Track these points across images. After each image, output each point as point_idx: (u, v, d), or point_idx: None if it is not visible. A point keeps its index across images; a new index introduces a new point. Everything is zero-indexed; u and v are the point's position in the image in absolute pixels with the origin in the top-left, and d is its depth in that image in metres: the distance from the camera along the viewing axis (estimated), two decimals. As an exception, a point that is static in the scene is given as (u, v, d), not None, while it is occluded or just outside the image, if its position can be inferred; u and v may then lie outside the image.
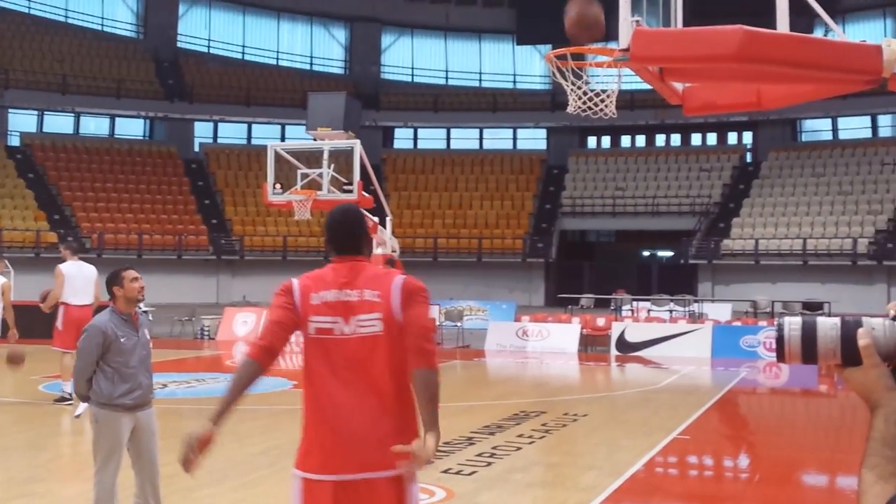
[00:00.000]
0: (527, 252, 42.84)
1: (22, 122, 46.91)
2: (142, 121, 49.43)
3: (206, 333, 24.73)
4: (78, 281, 12.74)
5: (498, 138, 51.25)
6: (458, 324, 24.85)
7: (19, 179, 42.62)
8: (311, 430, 4.00)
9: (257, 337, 3.99)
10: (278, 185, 21.19)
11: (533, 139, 50.63)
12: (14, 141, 45.94)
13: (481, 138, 51.45)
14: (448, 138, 51.65)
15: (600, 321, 23.47)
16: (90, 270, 12.94)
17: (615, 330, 22.54)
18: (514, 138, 51.00)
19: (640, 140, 49.35)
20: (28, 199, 41.61)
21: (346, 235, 4.04)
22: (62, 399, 12.75)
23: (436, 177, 47.96)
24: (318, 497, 3.83)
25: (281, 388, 15.16)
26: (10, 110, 46.04)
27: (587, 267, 44.49)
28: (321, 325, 3.89)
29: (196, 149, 49.47)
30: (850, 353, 1.93)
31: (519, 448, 10.16)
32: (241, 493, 7.93)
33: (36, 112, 46.98)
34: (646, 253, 49.55)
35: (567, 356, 21.53)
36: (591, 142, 50.65)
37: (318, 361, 3.92)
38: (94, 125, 49.04)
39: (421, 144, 51.76)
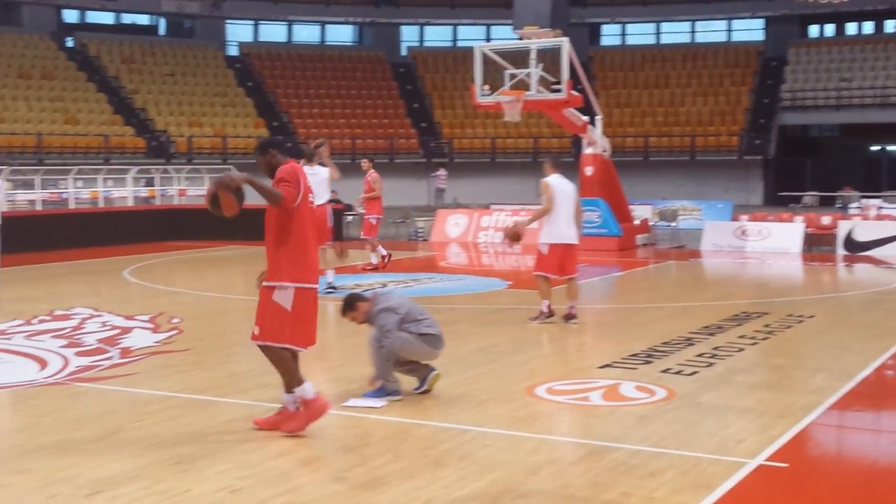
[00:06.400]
0: (743, 149, 41.20)
1: (239, 32, 48.74)
2: (350, 27, 50.33)
3: (419, 235, 25.23)
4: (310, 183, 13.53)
5: (711, 31, 49.09)
6: (673, 224, 24.24)
7: (239, 88, 44.48)
8: (312, 259, 6.64)
9: (287, 192, 6.46)
10: (486, 87, 21.10)
11: (749, 30, 48.20)
12: (232, 51, 47.86)
13: (693, 31, 49.42)
14: (658, 33, 49.91)
15: (825, 220, 22.33)
16: (322, 170, 13.81)
17: (842, 229, 21.41)
18: (729, 30, 48.72)
19: (868, 27, 46.19)
20: (248, 108, 43.42)
21: (286, 147, 6.98)
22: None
23: (645, 73, 46.57)
24: (308, 298, 6.56)
25: (496, 288, 15.32)
26: (227, 21, 47.86)
27: (809, 163, 42.26)
28: (310, 199, 6.65)
29: (403, 53, 49.99)
30: None
31: (741, 349, 9.84)
32: (463, 387, 8.06)
33: (251, 22, 48.64)
34: (874, 147, 46.68)
35: (790, 256, 20.66)
36: (813, 30, 47.76)
37: (308, 220, 6.61)
38: (306, 33, 50.36)
39: (629, 40, 50.29)
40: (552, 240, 11.41)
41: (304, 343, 6.64)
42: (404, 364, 7.62)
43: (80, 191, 26.66)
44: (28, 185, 26.59)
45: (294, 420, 6.62)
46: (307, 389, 6.60)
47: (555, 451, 6.38)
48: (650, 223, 24.28)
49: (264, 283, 6.61)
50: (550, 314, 11.42)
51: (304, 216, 6.57)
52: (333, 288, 14.06)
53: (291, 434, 6.55)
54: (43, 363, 9.22)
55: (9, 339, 10.46)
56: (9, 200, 24.37)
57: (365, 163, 17.45)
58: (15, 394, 8.08)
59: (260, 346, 6.65)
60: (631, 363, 9.07)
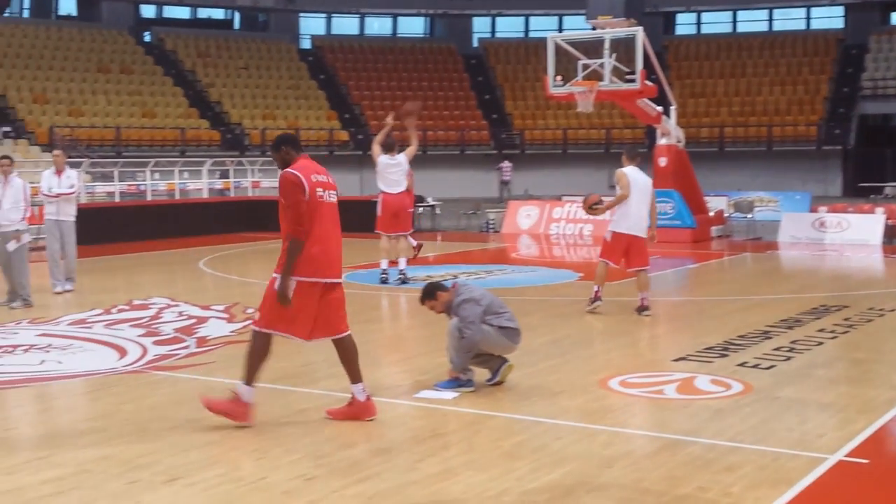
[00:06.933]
0: (822, 139, 40.34)
1: (312, 25, 49.17)
2: (422, 19, 50.41)
3: (491, 226, 25.17)
4: (391, 172, 13.98)
5: (789, 18, 48.11)
6: (749, 215, 23.81)
7: (312, 81, 44.86)
8: (317, 252, 6.49)
9: (298, 224, 6.42)
10: (559, 78, 20.92)
11: (828, 18, 47.16)
12: (305, 44, 48.27)
13: (771, 19, 48.49)
14: (734, 21, 49.10)
15: (907, 211, 21.73)
16: (403, 159, 14.08)
17: (924, 220, 20.84)
18: (808, 17, 47.71)
19: (954, 12, 44.81)
20: (320, 100, 43.77)
21: (299, 142, 6.93)
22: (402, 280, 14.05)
23: (721, 63, 45.85)
24: (314, 292, 6.51)
25: (568, 280, 15.22)
26: (300, 15, 48.30)
27: (891, 154, 41.19)
28: (319, 194, 6.54)
29: (475, 44, 49.91)
30: None
31: (820, 343, 9.62)
32: (535, 379, 8.01)
33: (324, 15, 49.02)
34: (958, 137, 45.29)
35: (870, 248, 20.15)
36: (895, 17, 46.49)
37: (319, 215, 6.51)
38: (378, 25, 50.60)
39: (705, 29, 49.55)
40: (617, 228, 11.36)
41: (307, 335, 6.63)
42: (477, 355, 7.60)
43: (156, 183, 27.15)
44: (107, 178, 27.15)
45: (223, 407, 6.64)
46: (248, 391, 6.60)
47: (629, 445, 6.31)
48: (725, 215, 23.89)
49: (273, 274, 6.62)
50: (596, 299, 11.41)
51: (314, 214, 6.50)
52: (405, 278, 14.06)
53: (209, 407, 6.66)
54: (122, 352, 9.40)
55: (89, 327, 10.69)
56: (88, 192, 24.92)
57: None
58: (95, 381, 8.26)
59: (252, 332, 6.71)
60: (706, 356, 8.93)
